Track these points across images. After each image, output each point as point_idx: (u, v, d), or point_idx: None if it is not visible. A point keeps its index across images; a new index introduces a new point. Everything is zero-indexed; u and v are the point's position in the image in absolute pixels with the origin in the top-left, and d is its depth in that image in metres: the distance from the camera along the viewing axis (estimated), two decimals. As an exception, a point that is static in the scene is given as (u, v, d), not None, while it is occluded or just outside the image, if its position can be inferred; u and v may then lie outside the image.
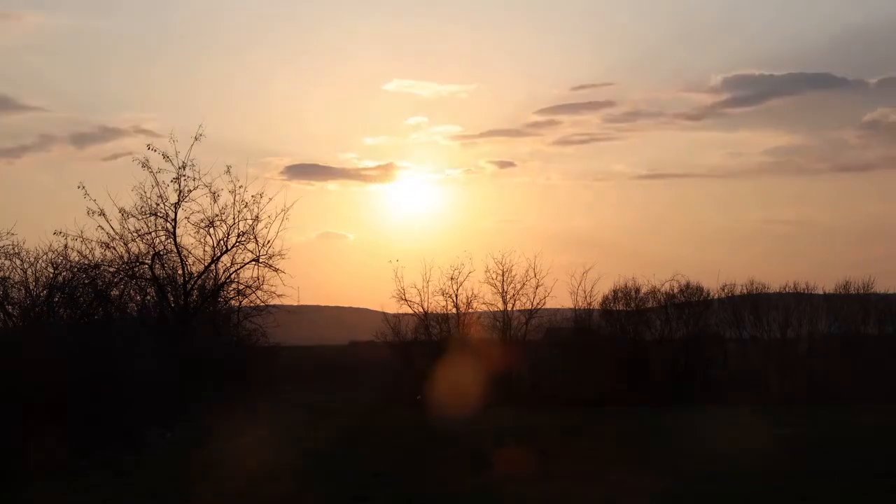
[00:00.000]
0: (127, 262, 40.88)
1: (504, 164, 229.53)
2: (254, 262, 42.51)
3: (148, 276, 41.68)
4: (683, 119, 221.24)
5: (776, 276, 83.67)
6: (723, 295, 63.25)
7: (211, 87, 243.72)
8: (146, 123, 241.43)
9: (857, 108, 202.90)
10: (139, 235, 40.99)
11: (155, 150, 40.48)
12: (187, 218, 41.61)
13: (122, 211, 40.68)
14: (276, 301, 43.64)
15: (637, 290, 62.58)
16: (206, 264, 42.48)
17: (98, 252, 40.02)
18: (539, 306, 61.58)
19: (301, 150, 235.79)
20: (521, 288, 61.16)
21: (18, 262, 36.85)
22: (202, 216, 41.76)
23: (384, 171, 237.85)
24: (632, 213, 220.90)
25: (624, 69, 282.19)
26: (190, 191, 41.22)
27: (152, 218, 41.05)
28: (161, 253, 41.41)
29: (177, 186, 41.06)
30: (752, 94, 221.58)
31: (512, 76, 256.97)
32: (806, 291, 63.31)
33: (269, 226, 42.28)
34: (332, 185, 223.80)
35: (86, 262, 39.19)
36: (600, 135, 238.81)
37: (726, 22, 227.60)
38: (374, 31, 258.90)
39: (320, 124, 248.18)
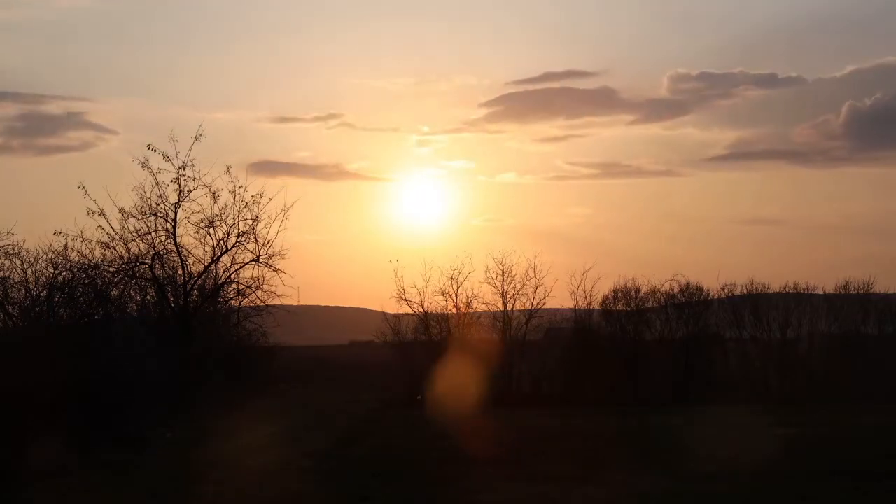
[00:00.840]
0: (127, 262, 40.85)
1: (463, 163, 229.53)
2: (254, 262, 42.46)
3: (148, 276, 41.65)
4: (636, 116, 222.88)
5: (775, 276, 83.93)
6: (723, 295, 63.33)
7: (161, 81, 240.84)
8: (89, 116, 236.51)
9: (812, 106, 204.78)
10: (139, 235, 40.95)
11: (155, 150, 40.48)
12: (187, 218, 41.55)
13: (122, 211, 40.64)
14: (276, 301, 43.59)
15: (637, 290, 62.67)
16: (206, 264, 42.43)
17: (98, 252, 39.98)
18: (539, 306, 61.63)
19: (255, 146, 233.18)
20: (521, 288, 61.20)
21: (18, 262, 36.87)
22: (202, 216, 41.71)
23: (338, 169, 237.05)
24: (598, 211, 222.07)
25: (579, 64, 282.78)
26: (190, 191, 41.16)
27: (152, 218, 41.01)
28: (161, 253, 41.36)
29: (177, 186, 41.04)
30: (706, 92, 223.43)
31: (465, 70, 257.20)
32: (806, 291, 63.37)
33: (269, 226, 42.25)
34: (291, 183, 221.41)
35: (86, 262, 39.17)
36: (556, 134, 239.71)
37: (684, 20, 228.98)
38: (327, 27, 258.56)
39: (273, 119, 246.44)
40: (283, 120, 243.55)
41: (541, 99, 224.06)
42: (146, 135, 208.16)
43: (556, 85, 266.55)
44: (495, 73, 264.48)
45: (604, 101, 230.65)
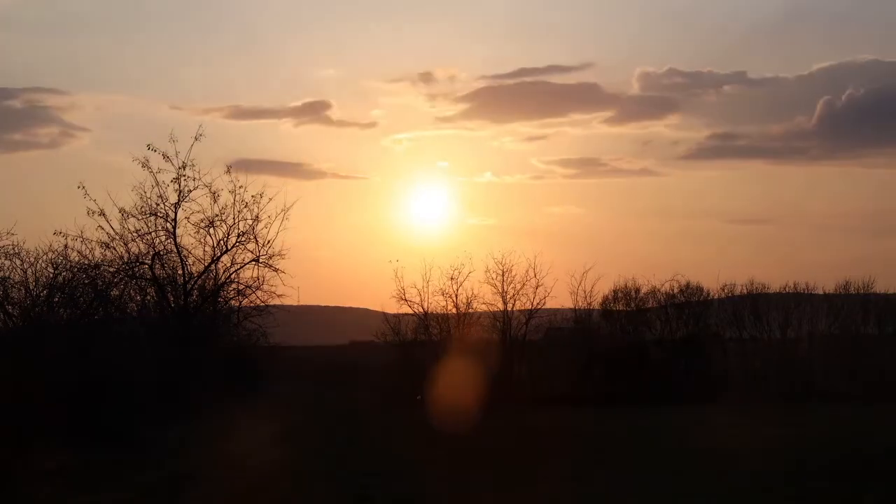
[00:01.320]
0: (127, 262, 40.93)
1: (441, 161, 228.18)
2: (254, 262, 42.55)
3: (148, 276, 41.71)
4: (606, 115, 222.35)
5: (776, 276, 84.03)
6: (723, 295, 63.38)
7: (134, 75, 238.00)
8: (57, 111, 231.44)
9: (784, 105, 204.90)
10: (139, 235, 41.07)
11: (155, 150, 40.58)
12: (187, 218, 41.69)
13: (122, 211, 40.77)
14: (277, 301, 43.69)
15: (637, 290, 62.71)
16: (206, 264, 42.53)
17: (98, 252, 40.11)
18: (539, 306, 61.61)
19: (229, 144, 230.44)
20: (521, 288, 61.18)
21: (18, 262, 36.94)
22: (202, 216, 41.82)
23: (311, 168, 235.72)
24: (585, 210, 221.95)
25: (559, 59, 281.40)
26: (190, 191, 41.30)
27: (152, 218, 41.12)
28: (161, 253, 41.47)
29: (177, 186, 41.12)
30: (688, 90, 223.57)
31: (445, 65, 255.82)
32: (806, 291, 63.40)
33: (269, 226, 42.34)
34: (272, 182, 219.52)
35: (86, 262, 39.26)
36: (535, 132, 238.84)
37: (653, 18, 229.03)
38: (303, 23, 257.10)
39: (248, 116, 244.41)
40: (258, 116, 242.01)
41: (518, 94, 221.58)
42: (119, 132, 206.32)
43: (534, 79, 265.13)
44: (473, 68, 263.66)
45: (584, 97, 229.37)
